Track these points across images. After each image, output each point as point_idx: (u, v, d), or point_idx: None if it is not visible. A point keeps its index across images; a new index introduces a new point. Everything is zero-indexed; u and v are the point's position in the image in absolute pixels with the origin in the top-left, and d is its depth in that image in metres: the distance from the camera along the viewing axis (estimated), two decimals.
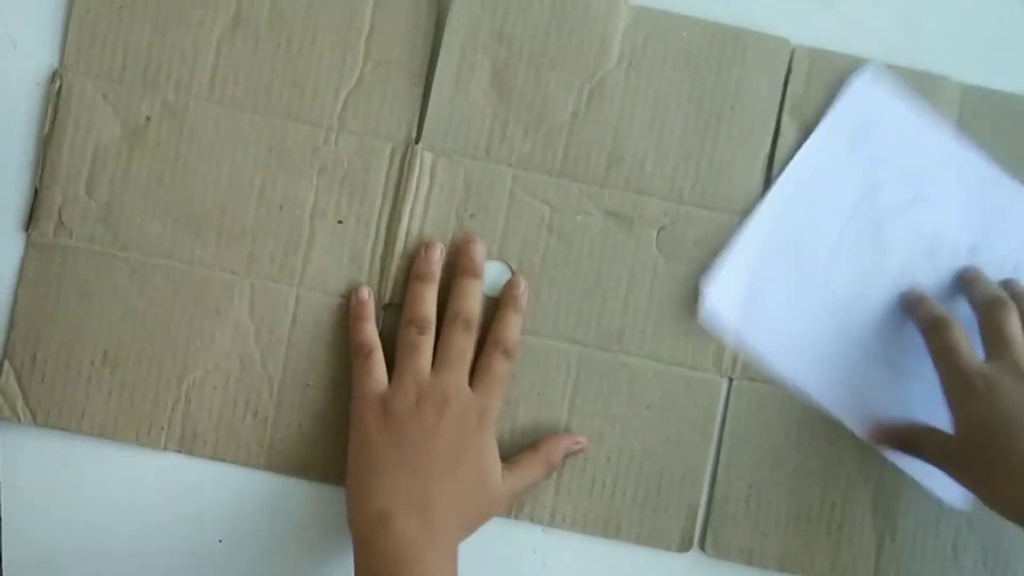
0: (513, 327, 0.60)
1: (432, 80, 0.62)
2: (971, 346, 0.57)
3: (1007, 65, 0.65)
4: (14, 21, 0.62)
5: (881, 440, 0.61)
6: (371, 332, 0.60)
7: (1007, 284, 0.60)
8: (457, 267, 0.60)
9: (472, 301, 0.60)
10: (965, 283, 0.61)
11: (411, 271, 0.60)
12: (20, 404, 0.61)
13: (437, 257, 0.60)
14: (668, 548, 0.63)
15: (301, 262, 0.62)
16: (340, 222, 0.62)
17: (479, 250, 0.60)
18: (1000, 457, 0.53)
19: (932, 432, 0.58)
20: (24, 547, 0.60)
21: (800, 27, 0.64)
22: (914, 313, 0.60)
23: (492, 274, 0.63)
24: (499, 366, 0.59)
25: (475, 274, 0.60)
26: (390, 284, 0.62)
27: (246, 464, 0.62)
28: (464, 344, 0.59)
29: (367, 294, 0.60)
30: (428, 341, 0.59)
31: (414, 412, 0.57)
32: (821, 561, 0.63)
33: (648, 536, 0.63)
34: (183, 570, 0.61)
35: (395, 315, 0.62)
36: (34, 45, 0.62)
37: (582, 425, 0.62)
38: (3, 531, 0.60)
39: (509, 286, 0.61)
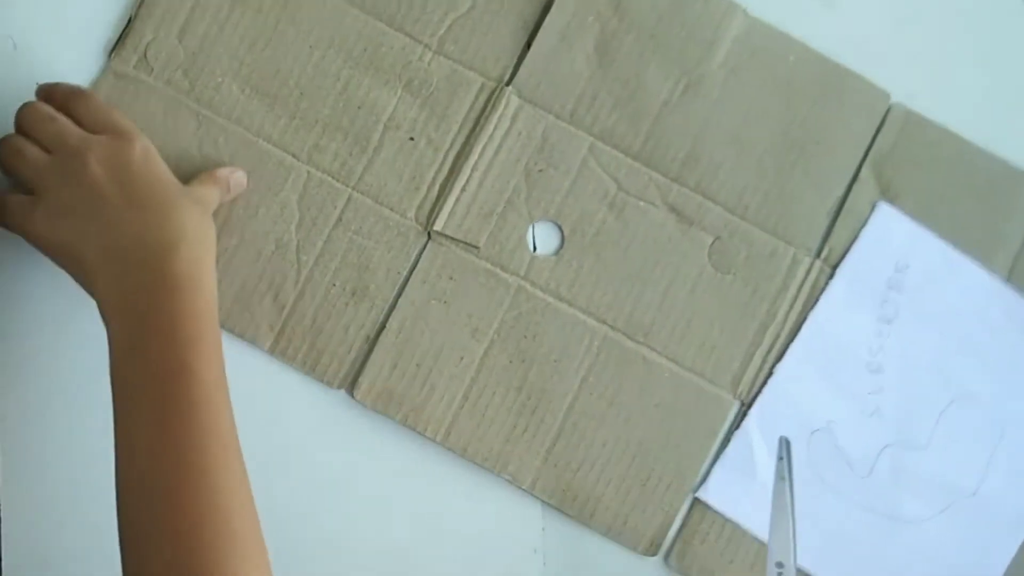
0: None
1: (539, 29, 0.62)
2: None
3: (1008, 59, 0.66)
4: (14, 21, 0.62)
5: None
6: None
7: None
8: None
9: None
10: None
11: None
12: None
13: None
14: (634, 548, 0.62)
15: (362, 166, 0.62)
16: (412, 139, 0.62)
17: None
18: None
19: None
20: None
21: (801, 27, 0.64)
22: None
23: (542, 235, 0.62)
24: None
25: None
26: (442, 213, 0.62)
27: (252, 342, 0.61)
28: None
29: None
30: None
31: None
32: None
33: (618, 531, 0.62)
34: None
35: (441, 243, 0.61)
36: (34, 45, 0.61)
37: (588, 403, 0.62)
38: (2, 531, 0.60)
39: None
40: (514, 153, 0.62)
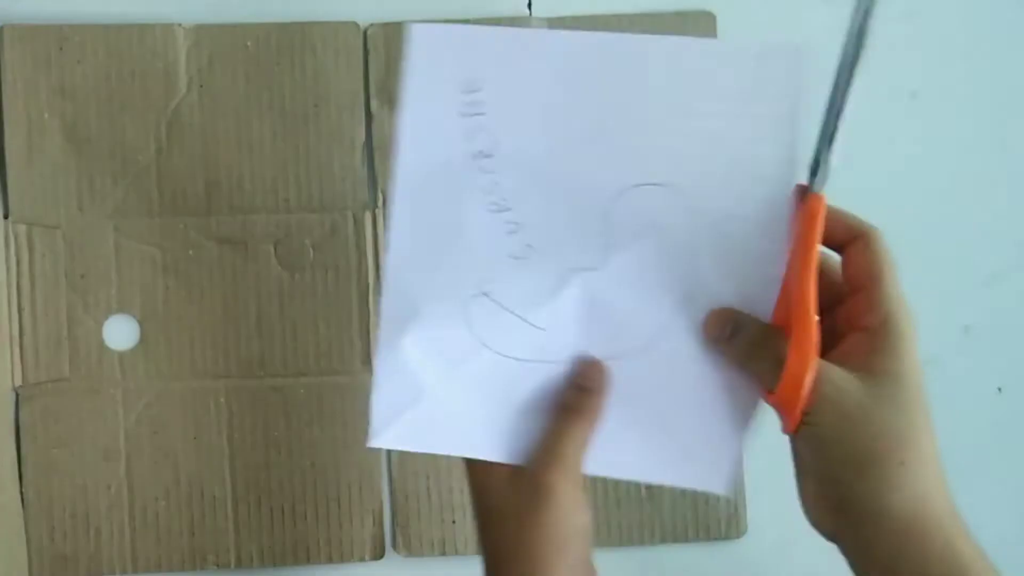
0: None
1: (5, 151, 0.61)
2: None
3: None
4: None
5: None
6: None
7: None
8: None
9: None
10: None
11: None
12: None
13: None
14: (362, 559, 0.61)
15: None
16: None
17: None
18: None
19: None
20: None
21: (800, 22, 0.64)
22: None
23: (119, 331, 0.61)
24: None
25: None
26: (14, 367, 0.60)
27: None
28: None
29: None
30: None
31: None
32: None
33: (339, 553, 0.62)
34: None
35: (32, 394, 0.60)
36: None
37: (248, 458, 0.61)
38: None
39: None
40: (49, 276, 0.61)
